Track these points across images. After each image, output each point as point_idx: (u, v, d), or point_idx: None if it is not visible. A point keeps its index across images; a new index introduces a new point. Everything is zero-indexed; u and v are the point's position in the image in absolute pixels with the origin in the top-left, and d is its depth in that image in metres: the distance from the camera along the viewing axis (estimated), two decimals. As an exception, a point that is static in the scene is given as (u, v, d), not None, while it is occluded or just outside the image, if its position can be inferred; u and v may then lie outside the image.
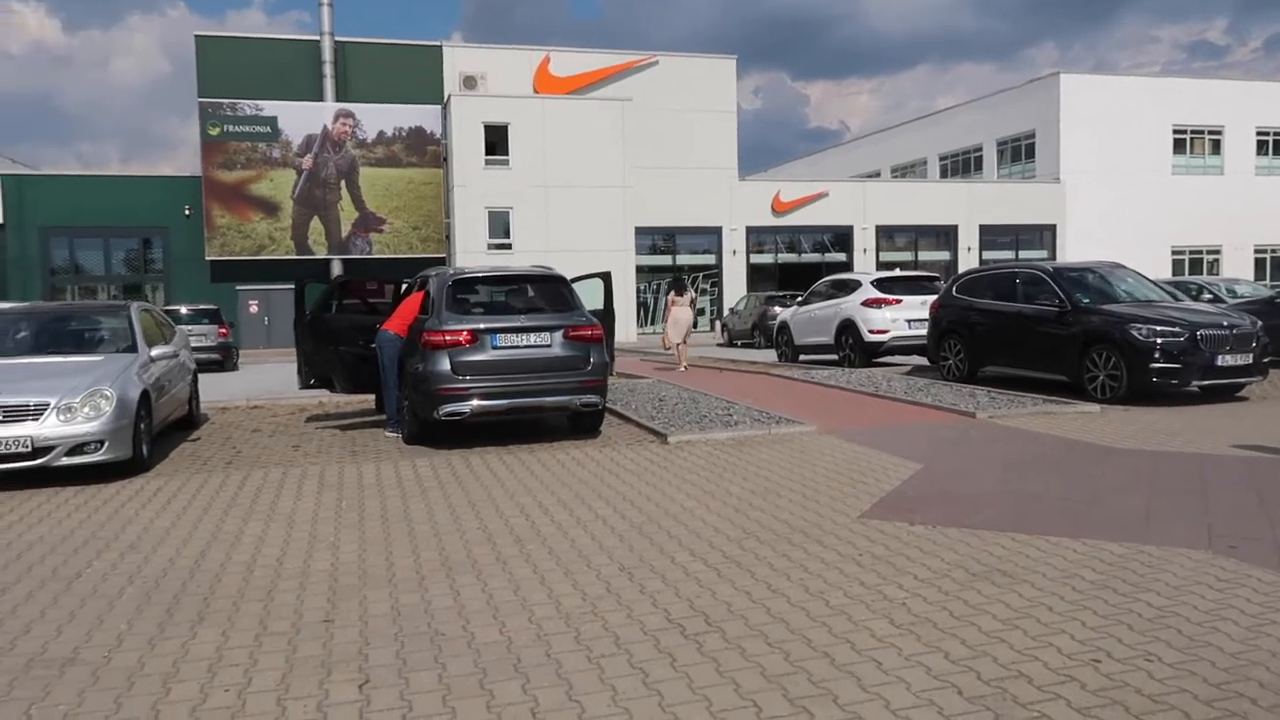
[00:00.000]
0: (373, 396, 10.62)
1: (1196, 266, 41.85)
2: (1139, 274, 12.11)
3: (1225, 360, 9.94)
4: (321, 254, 33.61)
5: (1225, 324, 10.11)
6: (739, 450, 8.09)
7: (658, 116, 35.91)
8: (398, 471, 7.51)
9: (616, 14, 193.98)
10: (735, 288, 36.84)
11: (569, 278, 11.09)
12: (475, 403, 8.14)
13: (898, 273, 17.73)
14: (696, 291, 37.64)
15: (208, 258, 32.73)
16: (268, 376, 19.14)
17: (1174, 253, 41.53)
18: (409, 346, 8.67)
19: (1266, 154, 42.97)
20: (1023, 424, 9.06)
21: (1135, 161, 40.55)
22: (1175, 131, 41.48)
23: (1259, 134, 42.62)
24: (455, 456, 8.07)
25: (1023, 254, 40.30)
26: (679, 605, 4.22)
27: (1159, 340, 9.94)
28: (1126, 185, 40.27)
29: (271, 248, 33.22)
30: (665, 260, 37.59)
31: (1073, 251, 39.48)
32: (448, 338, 8.15)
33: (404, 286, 10.32)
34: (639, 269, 36.06)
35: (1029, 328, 11.48)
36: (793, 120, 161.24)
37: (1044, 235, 40.89)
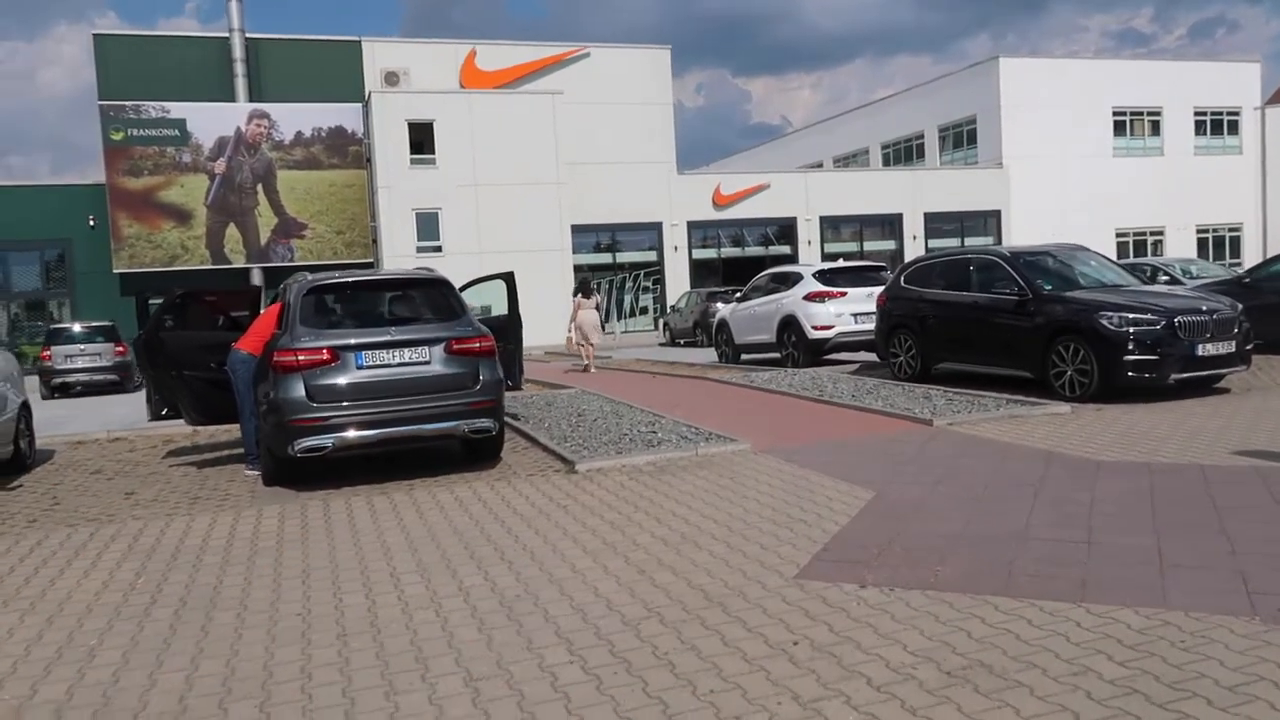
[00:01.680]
0: None
1: (1141, 248, 41.57)
2: (1102, 256, 11.06)
3: (1206, 350, 8.86)
4: (240, 263, 31.71)
5: (1204, 309, 9.04)
6: (659, 479, 6.79)
7: (591, 110, 34.48)
8: (233, 528, 6.07)
9: (557, 11, 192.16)
10: (678, 284, 35.59)
11: (471, 279, 9.76)
12: (338, 435, 6.72)
13: (841, 263, 16.56)
14: (638, 289, 36.47)
15: (115, 270, 30.62)
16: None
17: (1118, 235, 41.18)
18: (262, 369, 7.22)
19: (1204, 134, 42.83)
20: (988, 431, 7.88)
21: (1076, 144, 40.07)
22: (1115, 113, 41.12)
23: (1196, 114, 42.44)
24: (315, 501, 6.65)
25: (969, 240, 39.63)
26: (529, 755, 2.89)
27: (1132, 330, 8.84)
28: (1069, 168, 39.80)
29: (185, 257, 31.24)
30: (605, 259, 36.26)
31: (1018, 236, 38.90)
32: (301, 357, 6.72)
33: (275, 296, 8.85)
34: (578, 268, 34.62)
35: (986, 320, 10.34)
36: (735, 116, 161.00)
37: (989, 221, 40.27)
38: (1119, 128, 41.52)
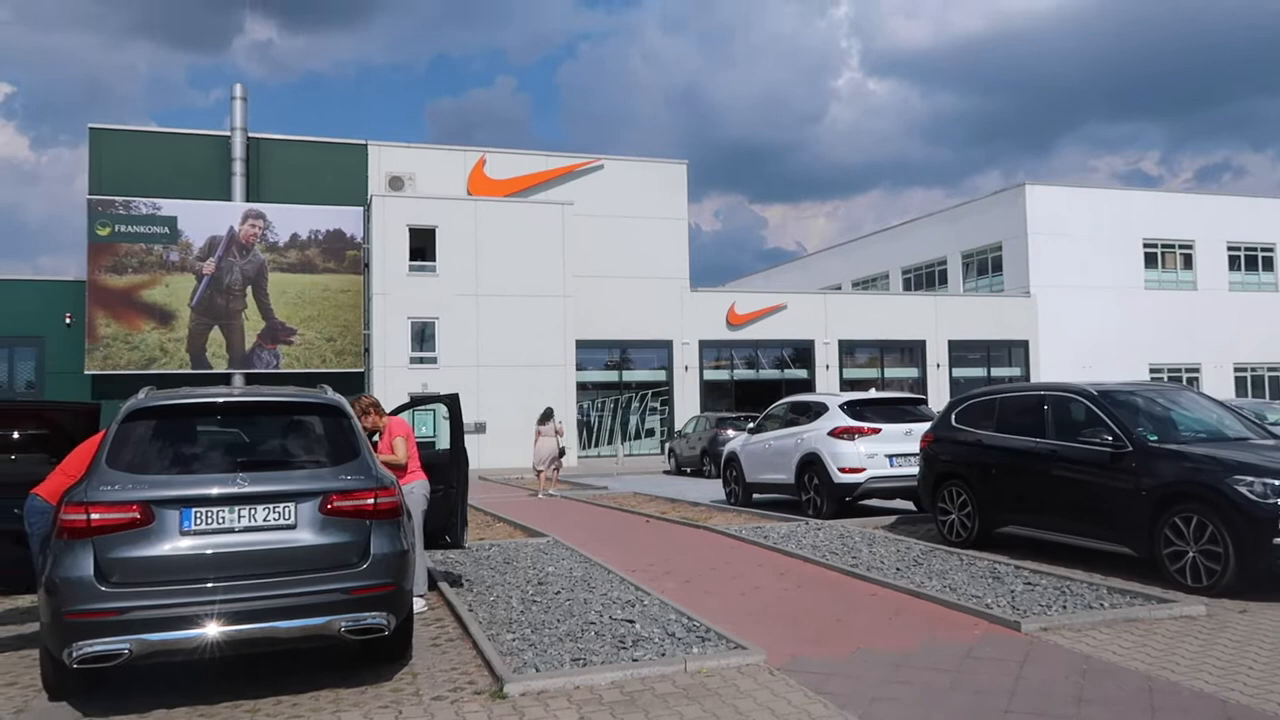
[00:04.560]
0: None
1: (1176, 385, 39.32)
2: (1211, 399, 8.86)
3: (1384, 533, 6.54)
4: (221, 368, 29.81)
5: (1378, 477, 6.75)
6: (624, 718, 4.45)
7: (603, 223, 33.15)
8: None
9: (578, 137, 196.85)
10: (688, 406, 33.47)
11: (413, 397, 7.62)
12: (138, 638, 4.44)
13: (874, 394, 14.40)
14: (645, 410, 34.34)
15: (87, 371, 28.77)
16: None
17: (1152, 370, 39.03)
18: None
19: (1239, 269, 41.20)
20: (1104, 648, 5.51)
21: (1107, 275, 38.43)
22: (1145, 245, 39.62)
23: (1230, 249, 40.93)
24: (92, 741, 4.34)
25: (995, 371, 37.64)
26: None
27: (1282, 501, 6.56)
28: (1099, 299, 38.04)
29: (163, 361, 29.38)
30: (612, 376, 34.28)
31: (1047, 369, 36.86)
32: (94, 516, 4.52)
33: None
34: (584, 385, 32.64)
35: (1068, 476, 8.06)
36: (751, 241, 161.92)
37: (1015, 352, 38.28)
38: (1150, 260, 39.95)
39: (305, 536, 4.79)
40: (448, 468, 7.19)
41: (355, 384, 29.66)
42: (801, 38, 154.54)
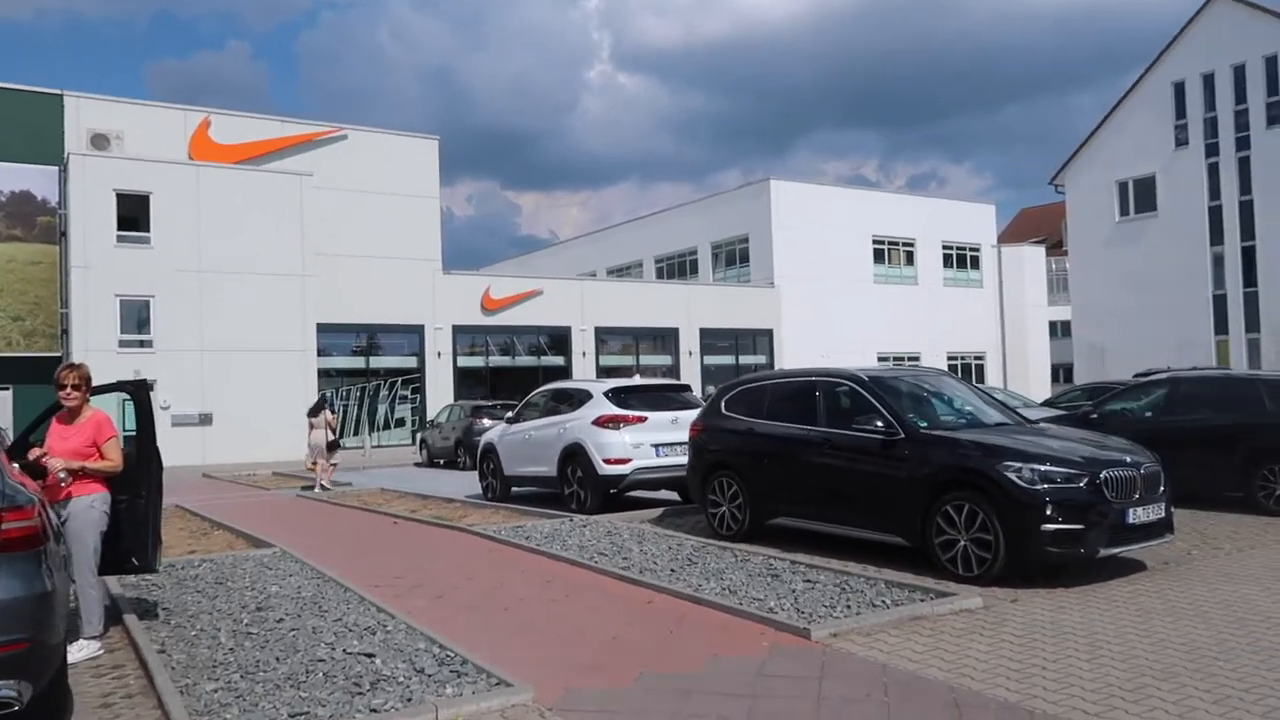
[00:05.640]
0: None
1: (900, 373, 42.46)
2: (974, 385, 8.98)
3: (1137, 515, 6.70)
4: (-128, 352, 24.89)
5: (1129, 460, 6.91)
6: (357, 802, 3.43)
7: (348, 198, 30.82)
8: None
9: (321, 109, 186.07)
10: (441, 394, 31.89)
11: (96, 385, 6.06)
12: None
13: (638, 380, 13.90)
14: (394, 398, 32.42)
15: None
16: None
17: (879, 359, 41.93)
18: None
19: (951, 266, 45.18)
20: (896, 653, 5.12)
21: (842, 269, 40.85)
22: (875, 241, 42.51)
23: (944, 248, 44.76)
24: None
25: (743, 359, 38.97)
26: None
27: (1048, 488, 6.54)
28: (835, 291, 40.34)
29: None
30: (359, 363, 32.05)
31: (789, 357, 38.63)
32: None
33: None
34: (327, 372, 30.20)
35: (842, 465, 7.80)
36: (505, 228, 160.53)
37: (760, 340, 39.85)
38: (878, 255, 42.89)
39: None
40: (135, 472, 5.74)
41: (50, 370, 25.72)
42: (554, 27, 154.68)
